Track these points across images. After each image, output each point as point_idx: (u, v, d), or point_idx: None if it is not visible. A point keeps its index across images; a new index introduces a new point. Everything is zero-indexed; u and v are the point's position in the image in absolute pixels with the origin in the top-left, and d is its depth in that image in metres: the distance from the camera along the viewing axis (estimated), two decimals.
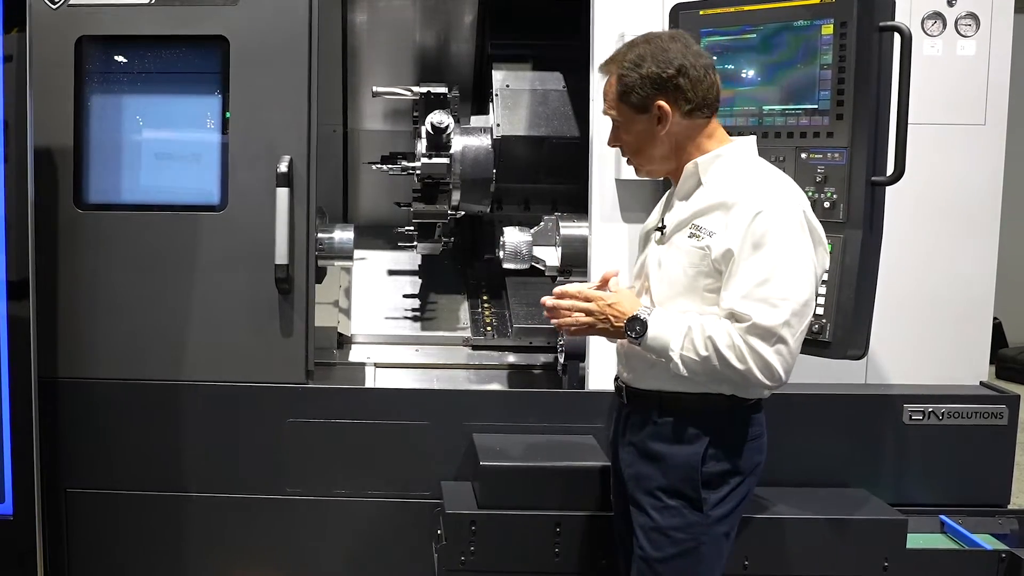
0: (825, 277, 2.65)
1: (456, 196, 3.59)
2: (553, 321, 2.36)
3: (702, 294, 2.21)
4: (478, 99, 4.15)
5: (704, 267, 2.19)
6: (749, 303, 2.10)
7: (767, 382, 2.12)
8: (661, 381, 2.26)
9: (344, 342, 3.64)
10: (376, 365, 3.53)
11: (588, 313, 2.28)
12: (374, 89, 3.70)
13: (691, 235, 2.22)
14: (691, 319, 2.17)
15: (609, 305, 2.26)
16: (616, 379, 2.45)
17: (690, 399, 2.24)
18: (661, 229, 2.33)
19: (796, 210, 2.16)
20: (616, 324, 2.25)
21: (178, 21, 3.11)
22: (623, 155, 2.41)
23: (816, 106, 2.69)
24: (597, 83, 3.16)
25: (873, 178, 2.63)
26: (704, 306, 2.20)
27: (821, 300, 2.66)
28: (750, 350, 2.09)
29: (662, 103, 2.23)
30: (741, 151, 2.28)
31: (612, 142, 2.39)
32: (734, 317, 2.12)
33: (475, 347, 3.64)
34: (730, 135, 2.35)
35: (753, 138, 2.34)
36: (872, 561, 2.90)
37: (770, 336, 2.09)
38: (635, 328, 2.20)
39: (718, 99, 2.29)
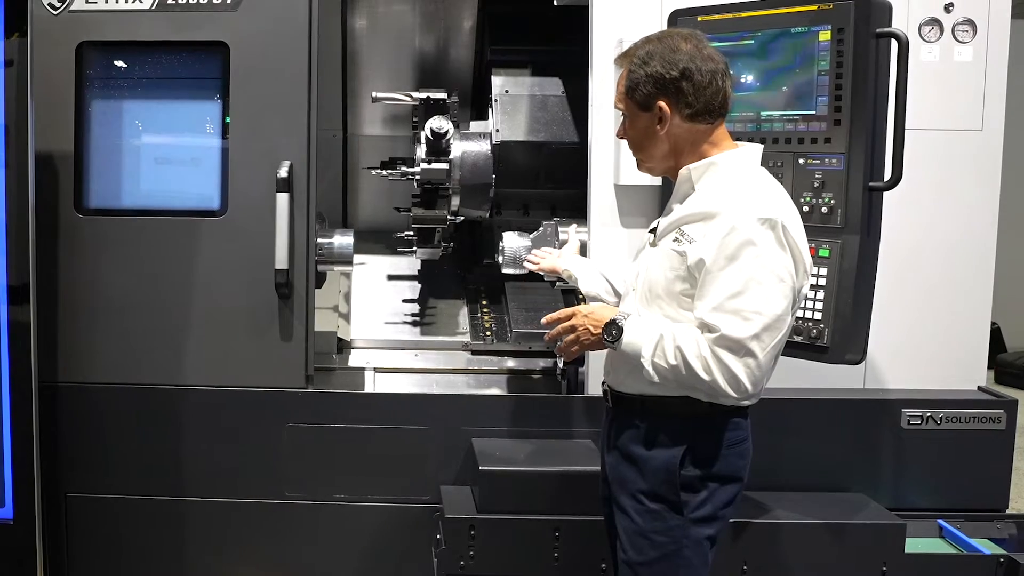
0: (823, 283, 2.66)
1: (455, 201, 3.60)
2: (555, 349, 2.39)
3: (679, 298, 2.21)
4: (477, 104, 4.16)
5: (681, 272, 2.19)
6: (720, 315, 2.10)
7: (733, 394, 2.12)
8: (643, 385, 2.25)
9: (344, 347, 3.64)
10: (375, 370, 3.53)
11: (571, 329, 2.30)
12: (374, 94, 3.70)
13: (675, 239, 2.22)
14: (665, 326, 2.18)
15: (586, 316, 2.29)
16: (603, 383, 2.45)
17: (671, 403, 2.24)
18: (654, 231, 2.34)
19: (776, 225, 2.13)
20: (595, 332, 2.26)
21: (179, 27, 3.13)
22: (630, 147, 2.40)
23: (814, 112, 2.70)
24: (596, 89, 3.18)
25: (870, 183, 2.64)
26: (681, 310, 2.21)
27: (819, 305, 2.67)
28: (717, 361, 2.09)
29: (662, 104, 2.23)
30: (738, 160, 2.26)
31: (620, 133, 2.39)
32: (705, 328, 2.12)
33: (474, 352, 3.64)
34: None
35: (758, 147, 2.31)
36: (871, 565, 2.90)
37: (739, 348, 2.09)
38: (611, 332, 2.22)
39: (725, 106, 2.26)
